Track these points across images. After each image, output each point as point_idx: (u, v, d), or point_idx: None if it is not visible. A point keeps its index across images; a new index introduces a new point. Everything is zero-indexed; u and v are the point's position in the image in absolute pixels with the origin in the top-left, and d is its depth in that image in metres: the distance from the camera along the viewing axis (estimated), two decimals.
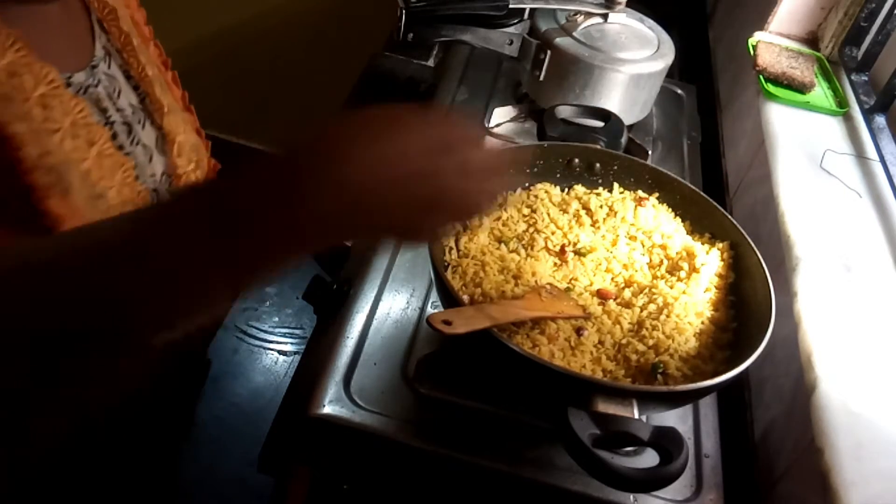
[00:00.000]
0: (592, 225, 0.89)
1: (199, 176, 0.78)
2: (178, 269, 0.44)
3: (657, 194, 0.92)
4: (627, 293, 0.81)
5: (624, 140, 1.04)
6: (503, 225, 0.87)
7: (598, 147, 0.96)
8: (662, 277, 0.83)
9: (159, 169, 0.73)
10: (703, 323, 0.79)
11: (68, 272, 0.45)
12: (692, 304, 0.79)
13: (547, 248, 0.85)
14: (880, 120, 1.08)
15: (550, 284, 0.80)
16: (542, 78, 1.13)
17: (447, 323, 0.65)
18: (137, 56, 0.73)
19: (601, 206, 0.90)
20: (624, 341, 0.76)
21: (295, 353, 1.97)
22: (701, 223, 0.90)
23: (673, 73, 1.30)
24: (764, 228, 1.00)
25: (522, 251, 0.84)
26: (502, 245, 0.84)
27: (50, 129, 0.59)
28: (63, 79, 0.62)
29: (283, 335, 2.00)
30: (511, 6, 1.13)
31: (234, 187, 0.45)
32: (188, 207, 0.45)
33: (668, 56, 1.15)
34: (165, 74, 0.79)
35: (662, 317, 0.78)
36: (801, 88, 1.17)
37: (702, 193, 0.90)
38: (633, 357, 0.74)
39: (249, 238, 0.44)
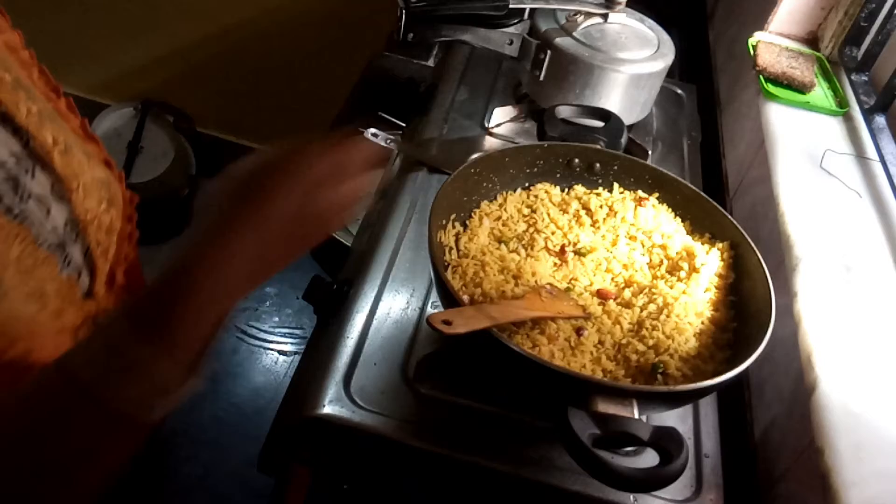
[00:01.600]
0: (592, 225, 0.89)
1: (114, 215, 0.70)
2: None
3: (657, 194, 0.92)
4: (627, 293, 0.81)
5: (624, 140, 1.04)
6: (503, 225, 0.87)
7: (598, 147, 0.96)
8: (662, 277, 0.83)
9: (61, 220, 0.62)
10: (703, 323, 0.79)
11: None
12: (692, 304, 0.79)
13: (547, 248, 0.85)
14: (880, 120, 1.08)
15: (550, 284, 0.80)
16: (542, 78, 1.13)
17: (447, 323, 0.65)
18: (14, 93, 0.61)
19: (601, 206, 0.90)
20: (624, 341, 0.76)
21: (295, 353, 1.97)
22: (701, 223, 0.90)
23: (673, 73, 1.30)
24: (764, 228, 1.00)
25: (522, 251, 0.84)
26: (502, 245, 0.84)
27: None
28: None
29: (283, 335, 2.00)
30: (511, 6, 1.13)
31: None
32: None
33: (668, 56, 1.15)
34: (57, 104, 0.69)
35: (662, 317, 0.78)
36: (801, 88, 1.17)
37: (702, 193, 0.90)
38: (633, 357, 0.74)
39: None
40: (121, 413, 0.48)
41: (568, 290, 0.81)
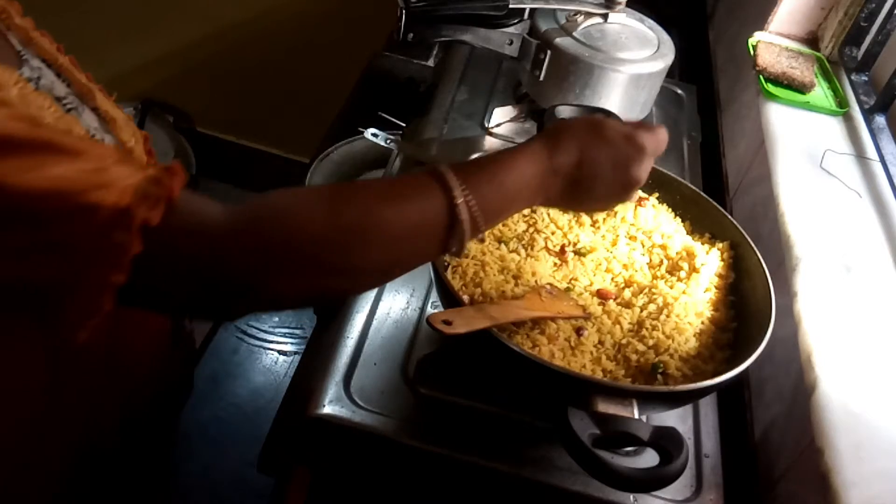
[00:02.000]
0: (592, 225, 0.89)
1: (139, 150, 0.75)
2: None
3: (657, 194, 0.92)
4: (627, 293, 0.81)
5: None
6: (503, 225, 0.87)
7: None
8: (662, 277, 0.83)
9: None
10: (703, 323, 0.79)
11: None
12: (692, 304, 0.79)
13: (547, 248, 0.85)
14: (880, 120, 1.08)
15: (550, 284, 0.80)
16: (542, 78, 1.13)
17: (447, 323, 0.65)
18: (43, 45, 0.68)
19: None
20: (624, 341, 0.76)
21: (295, 353, 1.97)
22: (701, 223, 0.90)
23: (673, 73, 1.30)
24: (764, 228, 1.00)
25: (522, 251, 0.84)
26: (502, 245, 0.84)
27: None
28: (20, 76, 0.58)
29: (283, 335, 2.00)
30: (511, 6, 1.13)
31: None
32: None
33: (668, 56, 1.15)
34: (67, 60, 0.74)
35: (662, 317, 0.78)
36: (801, 88, 1.17)
37: (702, 193, 0.90)
38: (633, 357, 0.74)
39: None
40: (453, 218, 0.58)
41: (568, 290, 0.81)
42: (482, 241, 0.63)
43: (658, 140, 0.69)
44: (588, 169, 0.65)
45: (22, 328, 0.62)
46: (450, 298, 0.72)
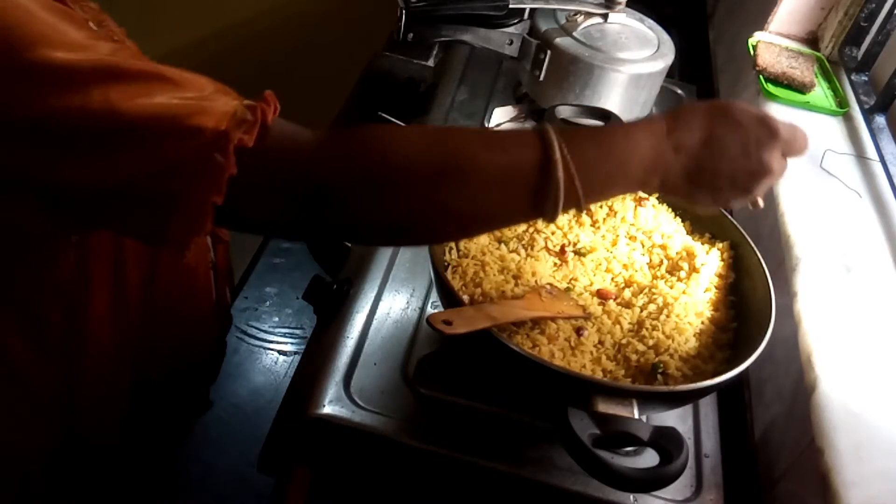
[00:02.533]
0: (592, 225, 0.89)
1: None
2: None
3: (657, 194, 0.92)
4: (627, 293, 0.81)
5: None
6: None
7: None
8: (662, 277, 0.83)
9: None
10: (703, 323, 0.79)
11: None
12: (692, 304, 0.79)
13: (547, 248, 0.85)
14: (880, 120, 1.08)
15: (550, 284, 0.80)
16: (542, 78, 1.13)
17: (447, 323, 0.65)
18: (111, 28, 0.73)
19: (601, 206, 0.90)
20: (624, 341, 0.76)
21: (295, 353, 1.96)
22: (701, 223, 0.90)
23: (673, 73, 1.30)
24: (764, 228, 1.00)
25: (522, 251, 0.84)
26: (502, 245, 0.84)
27: None
28: None
29: (283, 335, 2.00)
30: (511, 6, 1.13)
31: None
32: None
33: (668, 56, 1.15)
34: (131, 45, 0.79)
35: (662, 317, 0.78)
36: (801, 88, 1.17)
37: None
38: (633, 357, 0.74)
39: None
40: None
41: (568, 290, 0.81)
42: (579, 210, 0.59)
43: (795, 132, 0.62)
44: (715, 149, 0.59)
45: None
46: (450, 298, 0.72)
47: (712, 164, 0.59)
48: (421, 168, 0.55)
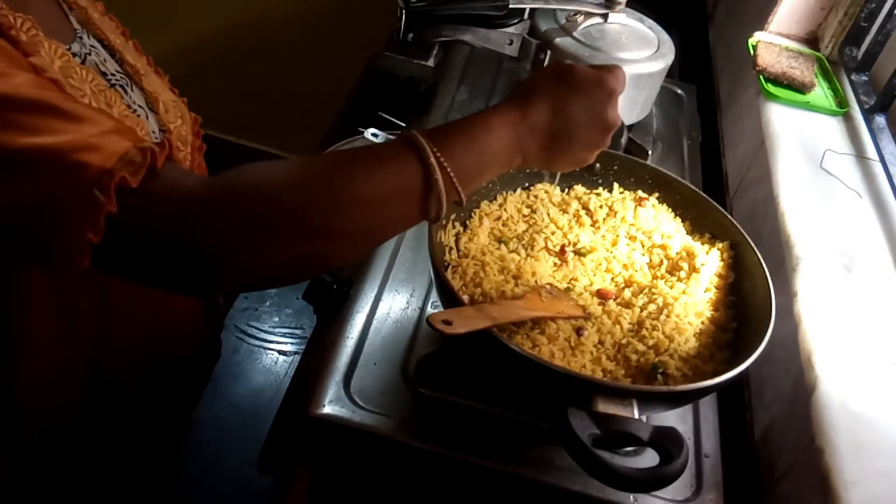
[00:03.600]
0: (592, 225, 0.89)
1: (186, 130, 0.80)
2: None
3: (657, 194, 0.92)
4: (627, 293, 0.81)
5: (624, 140, 1.04)
6: (503, 225, 0.87)
7: None
8: (662, 277, 0.83)
9: (155, 127, 0.75)
10: (703, 323, 0.79)
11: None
12: (692, 304, 0.79)
13: (547, 248, 0.85)
14: (880, 120, 1.08)
15: (550, 284, 0.80)
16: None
17: (447, 323, 0.65)
18: (101, 26, 0.74)
19: (601, 206, 0.90)
20: (624, 341, 0.76)
21: (295, 353, 1.97)
22: (701, 223, 0.90)
23: (673, 73, 1.30)
24: (764, 228, 1.00)
25: (522, 251, 0.84)
26: (502, 245, 0.84)
27: (78, 97, 0.61)
28: (66, 51, 0.63)
29: (283, 335, 2.00)
30: (511, 6, 1.13)
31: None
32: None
33: (668, 56, 1.15)
34: (128, 43, 0.80)
35: (662, 317, 0.78)
36: (801, 88, 1.17)
37: (702, 193, 0.90)
38: (633, 357, 0.74)
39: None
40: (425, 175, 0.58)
41: (568, 290, 0.81)
42: (460, 204, 0.61)
43: (620, 78, 0.70)
44: (563, 121, 0.65)
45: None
46: (450, 298, 0.72)
47: (566, 134, 0.66)
48: (300, 209, 0.54)
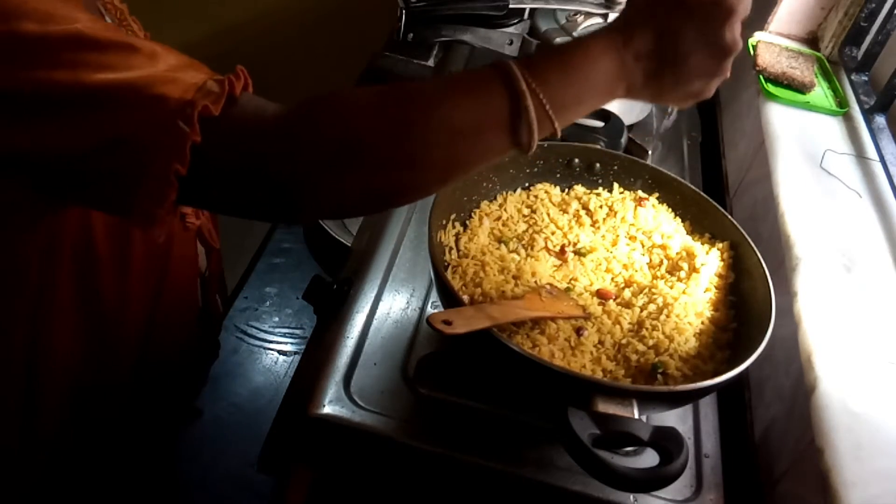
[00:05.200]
0: (592, 225, 0.89)
1: None
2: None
3: (657, 194, 0.92)
4: (627, 293, 0.81)
5: (624, 140, 1.04)
6: (503, 225, 0.87)
7: (598, 147, 0.96)
8: (662, 277, 0.83)
9: None
10: (703, 323, 0.79)
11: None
12: (692, 304, 0.79)
13: (547, 248, 0.85)
14: (880, 120, 1.08)
15: (550, 284, 0.80)
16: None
17: (447, 323, 0.65)
18: (132, 29, 0.76)
19: (601, 206, 0.90)
20: (624, 341, 0.76)
21: (295, 353, 1.97)
22: (701, 223, 0.90)
23: None
24: (764, 228, 1.00)
25: (522, 251, 0.84)
26: (502, 245, 0.84)
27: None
28: None
29: (283, 335, 2.00)
30: (511, 6, 1.13)
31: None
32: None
33: None
34: None
35: (662, 317, 0.78)
36: (801, 88, 1.17)
37: (702, 193, 0.90)
38: (633, 357, 0.74)
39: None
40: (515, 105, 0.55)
41: (568, 290, 0.81)
42: (555, 136, 0.58)
43: None
44: (672, 45, 0.58)
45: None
46: (450, 298, 0.72)
47: (676, 60, 0.59)
48: (383, 135, 0.54)
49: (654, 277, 0.84)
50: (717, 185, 1.23)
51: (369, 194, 0.56)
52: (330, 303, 0.87)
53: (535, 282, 0.80)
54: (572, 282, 0.82)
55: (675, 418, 0.80)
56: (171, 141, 0.51)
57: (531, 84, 0.55)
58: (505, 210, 0.88)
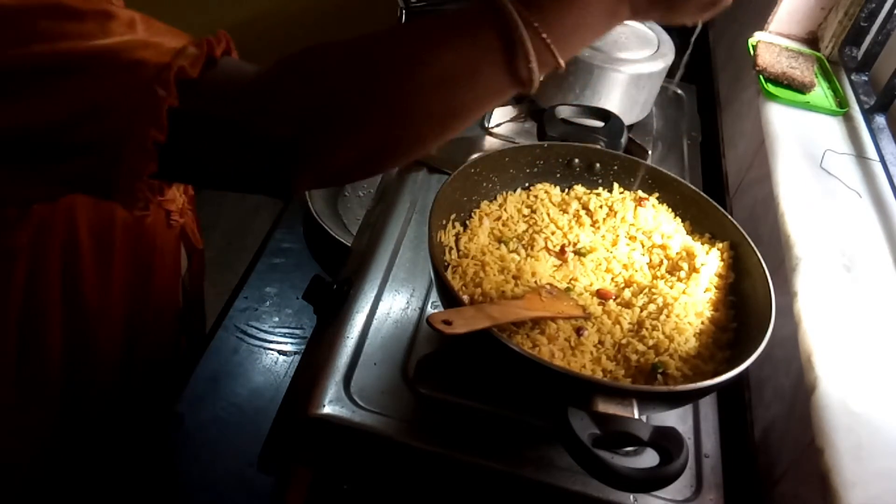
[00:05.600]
0: (592, 225, 0.89)
1: None
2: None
3: (657, 194, 0.92)
4: (627, 293, 0.81)
5: (624, 140, 1.04)
6: (503, 225, 0.87)
7: (598, 147, 0.96)
8: (662, 277, 0.83)
9: None
10: (703, 323, 0.79)
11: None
12: (692, 304, 0.79)
13: (547, 248, 0.85)
14: (880, 120, 1.08)
15: (550, 284, 0.80)
16: (541, 78, 1.12)
17: (447, 323, 0.65)
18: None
19: (601, 206, 0.90)
20: (624, 341, 0.76)
21: (295, 353, 1.96)
22: (701, 223, 0.90)
23: (673, 73, 1.30)
24: (764, 228, 1.00)
25: (522, 251, 0.84)
26: (502, 245, 0.84)
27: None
28: None
29: (283, 335, 2.00)
30: None
31: None
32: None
33: (668, 56, 1.15)
34: None
35: (662, 317, 0.78)
36: (801, 88, 1.17)
37: (702, 193, 0.90)
38: (633, 357, 0.74)
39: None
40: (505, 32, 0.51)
41: (568, 290, 0.81)
42: (559, 69, 0.54)
43: None
44: None
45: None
46: (450, 298, 0.72)
47: None
48: (372, 90, 0.50)
49: (654, 277, 0.84)
50: (717, 185, 1.23)
51: (362, 153, 0.53)
52: (330, 303, 0.87)
53: (535, 282, 0.80)
54: (572, 282, 0.82)
55: (675, 418, 0.80)
56: (147, 106, 0.49)
57: (523, 13, 0.51)
58: (505, 210, 0.88)
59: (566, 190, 0.93)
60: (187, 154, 0.52)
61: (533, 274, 0.81)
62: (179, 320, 0.89)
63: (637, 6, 0.55)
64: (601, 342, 0.76)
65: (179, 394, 1.02)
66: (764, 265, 0.80)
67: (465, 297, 0.77)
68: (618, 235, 0.88)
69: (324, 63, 0.52)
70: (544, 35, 0.52)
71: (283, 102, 0.51)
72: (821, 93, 1.19)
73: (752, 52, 1.23)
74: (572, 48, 0.55)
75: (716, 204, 0.89)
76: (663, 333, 0.76)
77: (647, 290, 0.82)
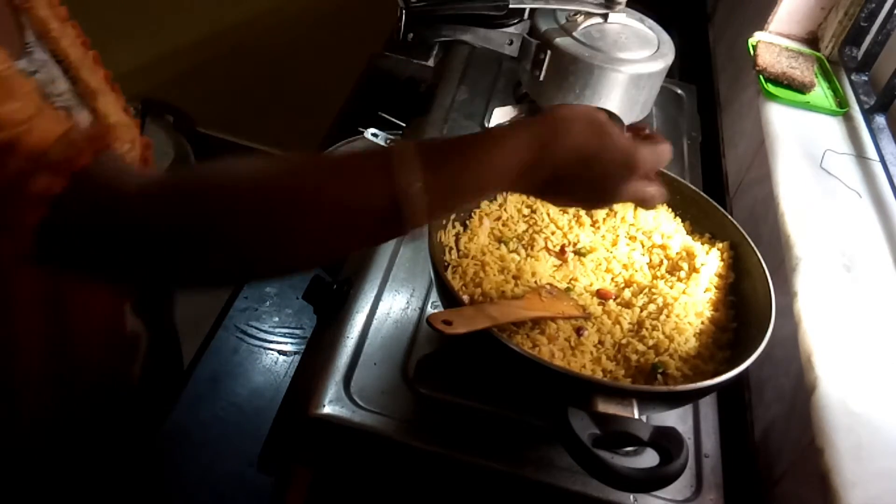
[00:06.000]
0: (592, 225, 0.89)
1: (134, 156, 0.77)
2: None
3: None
4: (627, 293, 0.81)
5: None
6: (503, 225, 0.87)
7: None
8: (662, 277, 0.83)
9: None
10: (703, 323, 0.79)
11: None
12: (692, 304, 0.79)
13: (547, 248, 0.85)
14: (880, 120, 1.08)
15: (550, 284, 0.80)
16: (542, 78, 1.13)
17: (447, 323, 0.65)
18: (59, 41, 0.71)
19: None
20: (624, 341, 0.76)
21: (295, 353, 1.96)
22: (701, 223, 0.90)
23: (673, 73, 1.30)
24: (764, 228, 1.00)
25: (522, 251, 0.84)
26: (502, 245, 0.84)
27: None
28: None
29: (283, 335, 2.00)
30: (511, 6, 1.13)
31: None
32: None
33: (668, 56, 1.15)
34: (87, 56, 0.77)
35: (662, 317, 0.78)
36: (801, 88, 1.17)
37: (702, 193, 0.90)
38: (633, 357, 0.74)
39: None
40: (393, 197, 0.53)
41: (568, 290, 0.81)
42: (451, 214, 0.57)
43: (658, 157, 0.63)
44: (580, 170, 0.60)
45: None
46: (450, 298, 0.72)
47: (571, 183, 0.61)
48: (253, 212, 0.52)
49: (654, 277, 0.84)
50: (717, 185, 1.23)
51: (232, 271, 0.55)
52: (330, 303, 0.87)
53: (535, 282, 0.80)
54: (572, 282, 0.82)
55: (675, 418, 0.80)
56: (21, 193, 0.48)
57: (415, 179, 0.52)
58: (505, 210, 0.88)
59: None
60: (59, 243, 0.51)
61: (533, 274, 0.81)
62: (129, 345, 0.86)
63: (526, 189, 0.61)
64: (601, 342, 0.76)
65: (179, 394, 1.01)
66: (764, 265, 0.80)
67: (465, 297, 0.77)
68: (618, 235, 0.88)
69: (213, 179, 0.53)
70: (434, 200, 0.53)
71: (150, 213, 0.51)
72: (821, 93, 1.19)
73: (752, 52, 1.23)
74: (461, 204, 0.59)
75: (716, 204, 0.89)
76: (663, 333, 0.76)
77: (647, 290, 0.82)
